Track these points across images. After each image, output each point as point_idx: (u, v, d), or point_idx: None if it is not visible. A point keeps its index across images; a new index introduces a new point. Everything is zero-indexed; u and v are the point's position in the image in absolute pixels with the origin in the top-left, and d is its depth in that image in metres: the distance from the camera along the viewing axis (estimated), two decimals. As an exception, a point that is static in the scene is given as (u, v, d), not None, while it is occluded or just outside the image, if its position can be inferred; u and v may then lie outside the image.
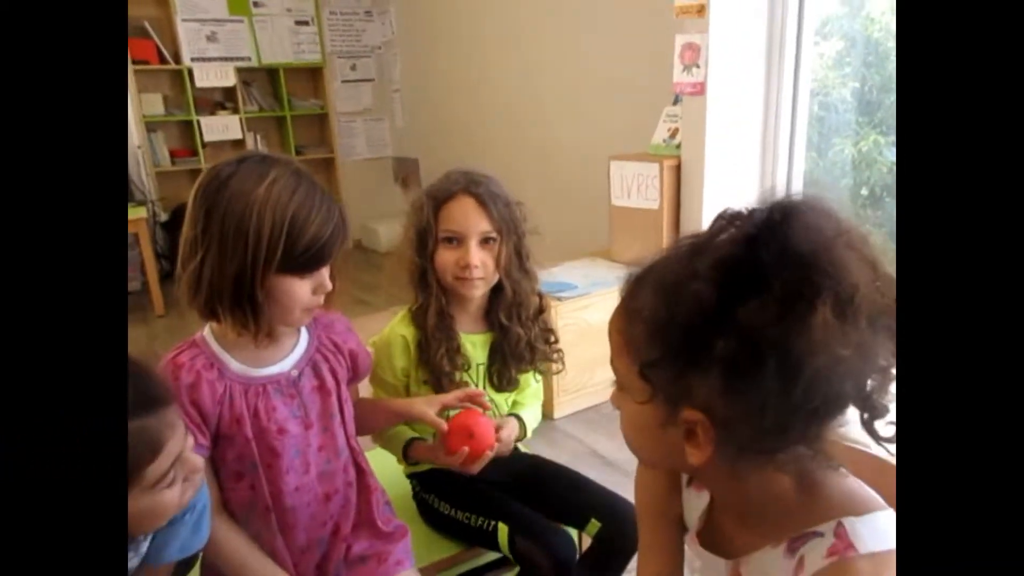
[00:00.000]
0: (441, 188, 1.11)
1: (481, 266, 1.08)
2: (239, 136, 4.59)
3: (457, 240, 1.09)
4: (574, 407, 2.40)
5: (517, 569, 1.11)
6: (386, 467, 1.17)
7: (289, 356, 0.94)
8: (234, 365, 0.90)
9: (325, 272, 0.87)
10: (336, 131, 5.04)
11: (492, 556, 1.19)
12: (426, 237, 1.10)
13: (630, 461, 2.09)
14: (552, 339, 1.21)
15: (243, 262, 0.81)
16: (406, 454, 1.13)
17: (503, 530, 1.09)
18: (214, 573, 0.97)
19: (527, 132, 3.68)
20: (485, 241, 1.09)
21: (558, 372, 1.24)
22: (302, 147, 4.95)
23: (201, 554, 0.98)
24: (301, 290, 0.85)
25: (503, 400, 1.22)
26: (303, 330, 0.96)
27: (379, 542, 1.01)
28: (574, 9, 3.16)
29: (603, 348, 1.94)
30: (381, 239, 4.77)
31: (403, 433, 1.15)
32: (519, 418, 1.19)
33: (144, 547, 0.81)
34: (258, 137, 4.76)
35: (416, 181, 5.04)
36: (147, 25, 4.20)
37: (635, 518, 1.14)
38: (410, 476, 1.24)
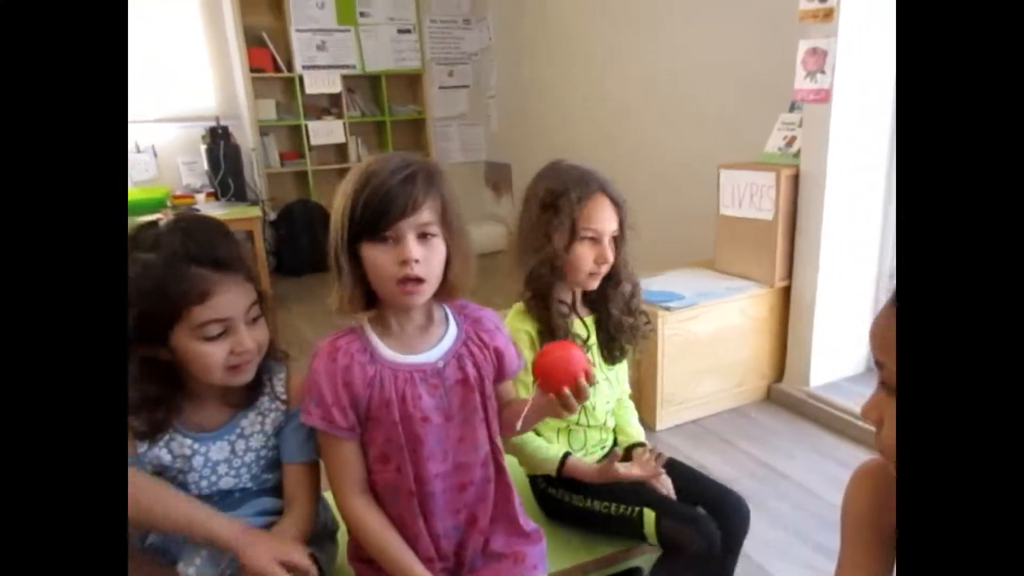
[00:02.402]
0: (577, 184, 1.15)
1: (608, 263, 1.17)
2: (342, 140, 4.80)
3: (595, 237, 1.15)
4: (677, 419, 2.35)
5: (654, 557, 1.13)
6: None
7: (437, 347, 0.96)
8: (385, 351, 0.93)
9: (408, 243, 0.86)
10: (432, 136, 5.17)
11: (619, 568, 1.19)
12: (573, 230, 1.14)
13: (735, 478, 2.07)
14: (645, 320, 1.28)
15: (333, 235, 0.88)
16: (559, 471, 1.15)
17: (649, 515, 1.12)
18: (358, 552, 1.01)
19: (624, 138, 3.65)
20: (611, 239, 1.17)
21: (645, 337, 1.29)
22: (400, 150, 5.10)
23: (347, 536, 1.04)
24: (383, 258, 0.86)
25: (614, 376, 1.28)
26: (452, 322, 0.98)
27: (517, 540, 1.02)
28: (677, 13, 3.12)
29: (709, 360, 2.02)
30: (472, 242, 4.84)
31: (548, 450, 1.16)
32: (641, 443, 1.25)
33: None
34: (359, 141, 4.95)
35: (507, 186, 5.10)
36: (264, 35, 4.46)
37: (743, 511, 1.19)
38: (533, 476, 1.26)
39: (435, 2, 4.97)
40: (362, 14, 4.74)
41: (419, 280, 0.87)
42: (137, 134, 4.30)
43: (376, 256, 0.87)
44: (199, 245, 0.86)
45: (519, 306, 1.20)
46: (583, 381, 0.91)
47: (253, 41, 4.42)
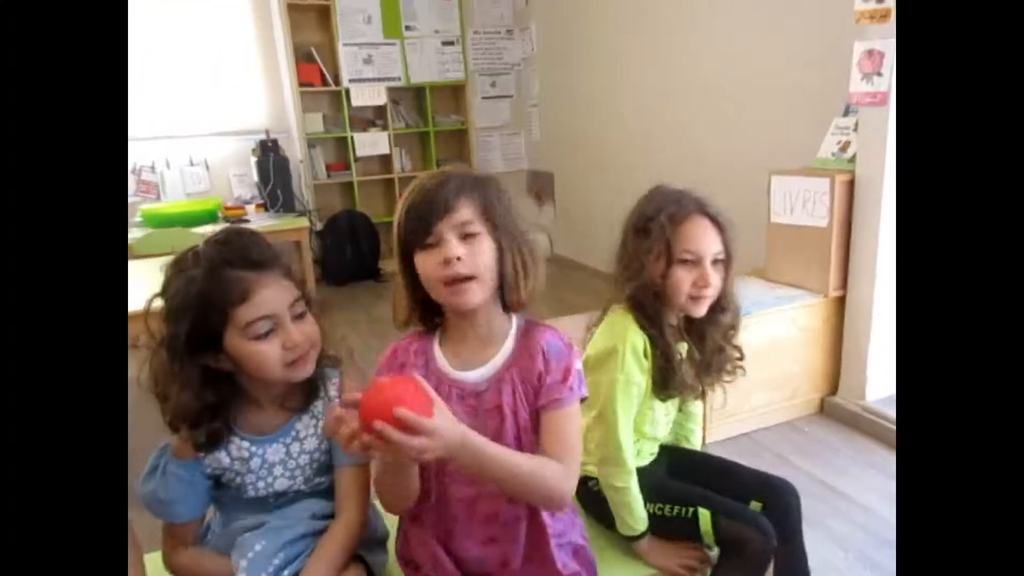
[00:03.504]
0: (670, 204, 1.11)
1: (713, 287, 1.10)
2: (387, 151, 4.87)
3: (693, 261, 1.09)
4: (727, 432, 2.29)
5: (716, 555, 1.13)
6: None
7: (484, 367, 0.92)
8: (439, 361, 0.93)
9: (449, 243, 0.85)
10: (475, 145, 5.21)
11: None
12: (668, 253, 1.10)
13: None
14: (738, 355, 1.22)
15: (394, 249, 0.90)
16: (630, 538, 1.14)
17: (705, 515, 1.10)
18: (404, 553, 1.01)
19: (670, 145, 3.60)
20: (714, 262, 1.11)
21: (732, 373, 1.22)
22: (442, 161, 5.16)
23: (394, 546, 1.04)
24: (429, 262, 0.86)
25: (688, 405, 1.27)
26: (510, 342, 0.93)
27: None
28: (723, 17, 3.07)
29: (760, 371, 1.98)
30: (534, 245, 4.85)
31: (640, 512, 1.13)
32: None
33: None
34: (403, 152, 5.02)
35: (550, 194, 5.09)
36: (313, 51, 4.58)
37: (793, 494, 1.17)
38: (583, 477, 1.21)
39: (479, 14, 5.03)
40: (407, 27, 4.82)
41: (466, 278, 0.85)
42: (191, 148, 4.47)
43: (423, 262, 0.86)
44: (233, 250, 0.90)
45: (628, 318, 1.13)
46: (384, 427, 0.70)
47: (302, 57, 4.54)
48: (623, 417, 1.11)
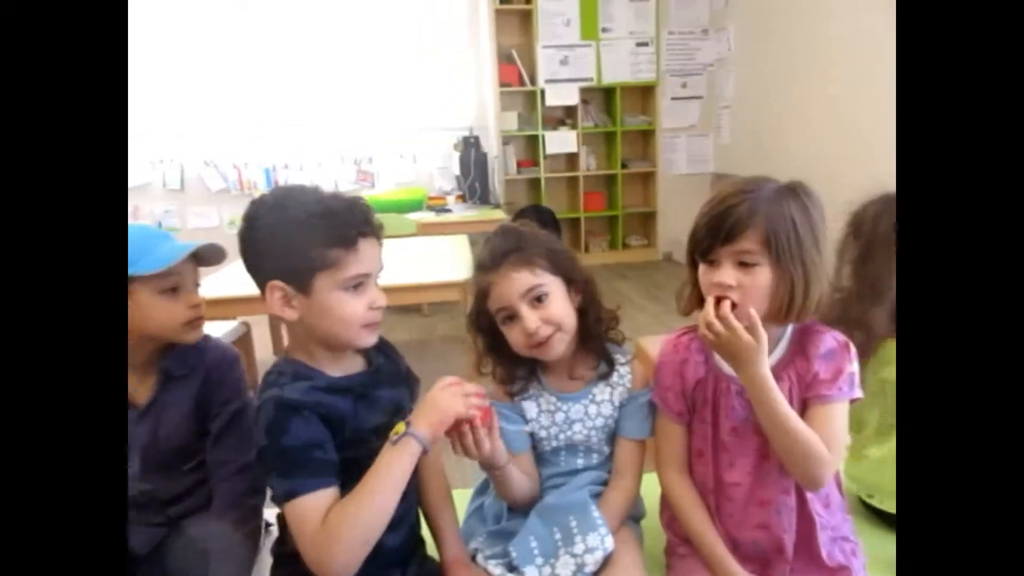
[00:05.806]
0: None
1: None
2: (574, 150, 5.03)
3: None
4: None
5: None
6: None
7: None
8: (717, 359, 1.01)
9: (725, 269, 0.92)
10: (660, 146, 5.22)
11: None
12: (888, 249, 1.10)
13: None
14: None
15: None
16: None
17: None
18: (671, 524, 1.11)
19: (868, 156, 3.36)
20: None
21: None
22: (628, 160, 5.23)
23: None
24: (705, 278, 0.95)
25: None
26: (783, 345, 0.99)
27: None
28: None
29: None
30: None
31: None
32: None
33: None
34: (588, 151, 5.16)
35: (736, 199, 4.96)
36: (514, 53, 4.85)
37: None
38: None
39: (675, 15, 5.02)
40: (604, 29, 4.94)
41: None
42: (401, 142, 4.93)
43: (703, 274, 0.95)
44: (484, 255, 1.06)
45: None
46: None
47: (503, 58, 4.83)
48: None
